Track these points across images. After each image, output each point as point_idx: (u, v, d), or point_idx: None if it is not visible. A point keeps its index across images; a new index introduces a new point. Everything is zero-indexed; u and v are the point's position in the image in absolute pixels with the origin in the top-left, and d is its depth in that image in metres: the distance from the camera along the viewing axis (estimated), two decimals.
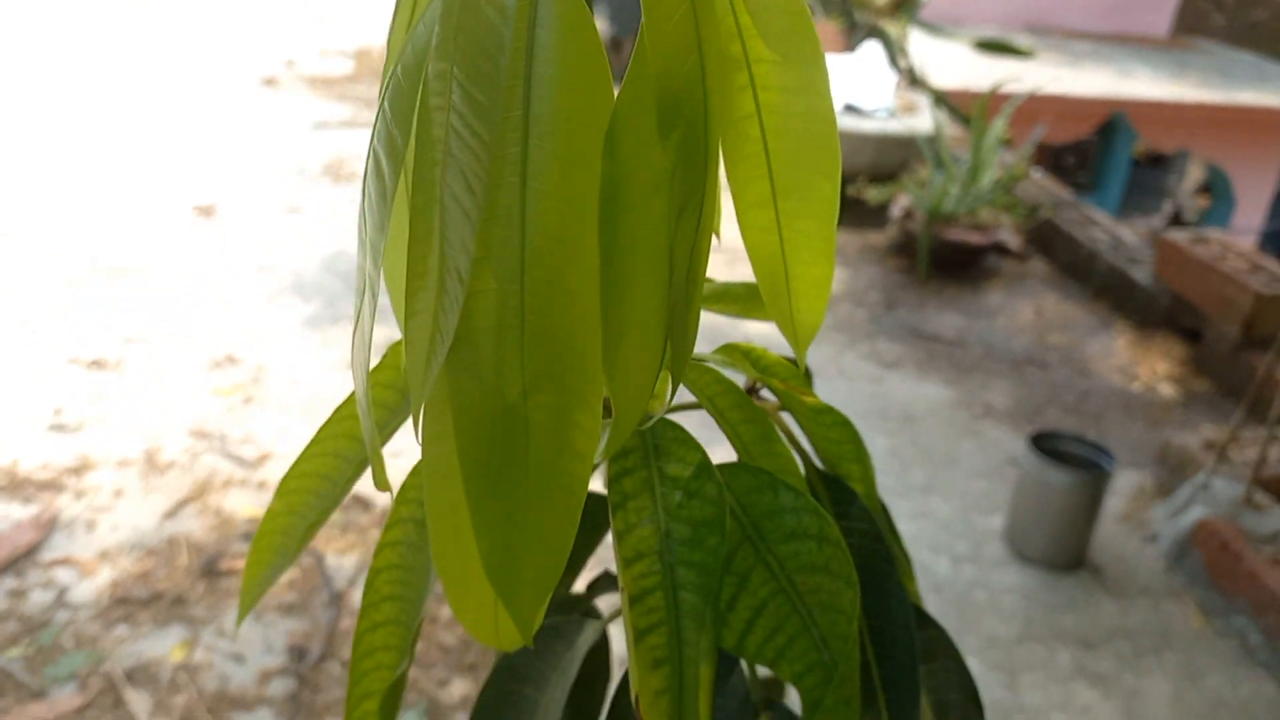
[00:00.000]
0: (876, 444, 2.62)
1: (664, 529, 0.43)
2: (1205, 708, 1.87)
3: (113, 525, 2.08)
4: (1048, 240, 3.97)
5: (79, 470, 2.23)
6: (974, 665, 1.91)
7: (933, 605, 2.06)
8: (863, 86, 4.32)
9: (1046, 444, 2.24)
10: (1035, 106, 5.16)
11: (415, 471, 0.49)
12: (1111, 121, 6.23)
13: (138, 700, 1.68)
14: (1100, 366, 3.16)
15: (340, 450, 0.52)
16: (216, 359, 2.73)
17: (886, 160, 4.09)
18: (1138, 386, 3.04)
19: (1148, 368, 3.15)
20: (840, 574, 0.44)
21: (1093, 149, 6.74)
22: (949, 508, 2.38)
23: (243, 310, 3.02)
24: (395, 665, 0.52)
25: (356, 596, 1.92)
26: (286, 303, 3.09)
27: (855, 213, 4.21)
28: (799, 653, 0.45)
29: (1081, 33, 7.66)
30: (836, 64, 4.54)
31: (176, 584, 1.93)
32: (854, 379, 2.96)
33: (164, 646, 1.80)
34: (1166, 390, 3.03)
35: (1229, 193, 6.50)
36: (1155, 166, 7.39)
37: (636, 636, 0.41)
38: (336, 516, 2.15)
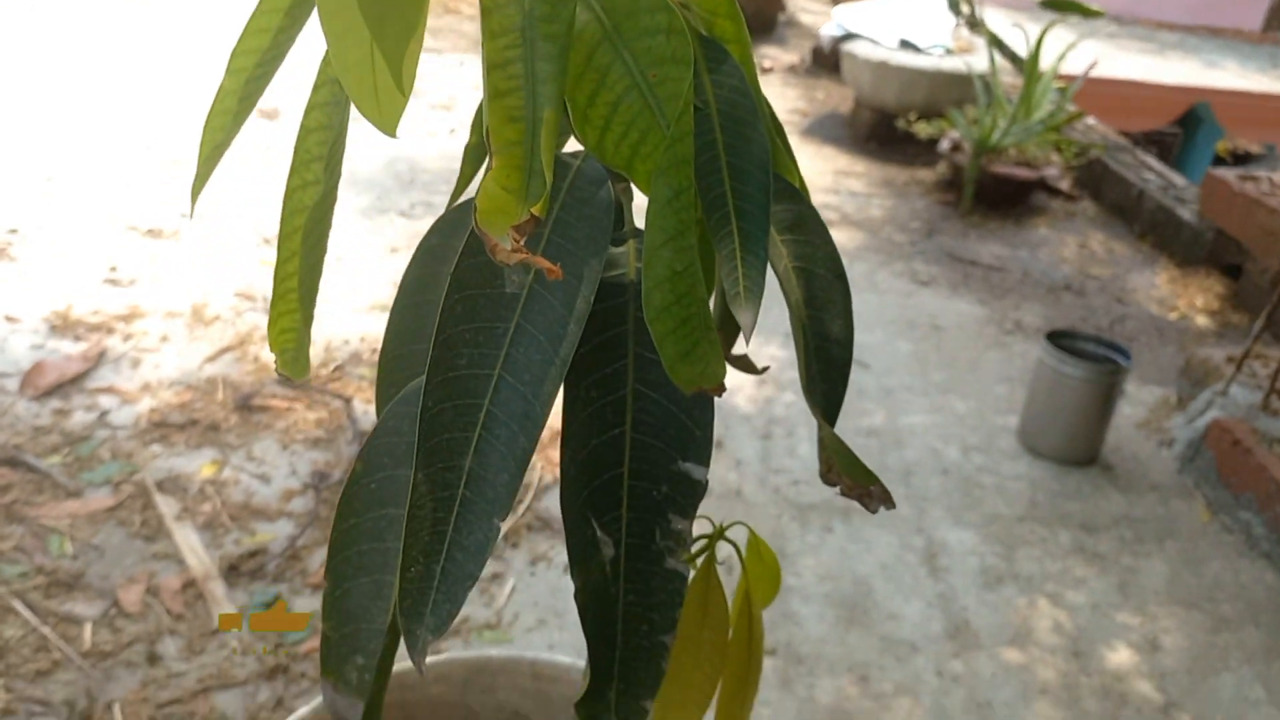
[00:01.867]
0: (899, 348, 2.65)
1: (527, 7, 0.47)
2: (1202, 590, 1.88)
3: (156, 364, 2.19)
4: (1098, 181, 3.93)
5: (128, 318, 2.35)
6: (972, 538, 1.94)
7: (937, 485, 2.10)
8: (921, 24, 4.30)
9: (1064, 342, 2.25)
10: (1107, 91, 5.03)
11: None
12: (1194, 112, 6.02)
13: (166, 505, 1.78)
14: (1138, 297, 3.14)
15: (277, 25, 0.58)
16: (268, 236, 2.84)
17: (941, 97, 4.07)
18: (1174, 316, 3.02)
19: (1186, 300, 3.12)
20: (682, 59, 0.48)
21: (1175, 142, 6.52)
22: (965, 406, 2.41)
23: None
24: (325, 201, 0.59)
25: None
26: (341, 195, 3.19)
27: (905, 147, 4.21)
28: (650, 150, 0.49)
29: (1170, 24, 7.47)
30: (895, 1, 4.52)
31: (211, 414, 2.04)
32: (885, 293, 2.99)
33: (195, 464, 1.90)
34: (1202, 321, 3.00)
35: None
36: (1240, 164, 7.08)
37: (495, 96, 0.47)
38: (362, 369, 2.24)
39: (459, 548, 0.47)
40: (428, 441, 0.48)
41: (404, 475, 0.57)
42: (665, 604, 0.56)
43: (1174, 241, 3.42)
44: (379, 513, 0.57)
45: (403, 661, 0.69)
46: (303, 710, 0.86)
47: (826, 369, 0.59)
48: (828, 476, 0.60)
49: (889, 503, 0.58)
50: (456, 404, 0.48)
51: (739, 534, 0.69)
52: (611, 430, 0.53)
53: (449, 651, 1.39)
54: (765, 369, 0.63)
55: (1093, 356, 2.21)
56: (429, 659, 0.84)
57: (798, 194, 0.60)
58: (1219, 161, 6.50)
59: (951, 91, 4.08)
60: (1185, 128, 6.21)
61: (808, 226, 0.60)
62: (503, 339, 0.49)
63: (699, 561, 0.64)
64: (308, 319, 0.64)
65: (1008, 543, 1.94)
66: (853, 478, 0.58)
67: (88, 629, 1.52)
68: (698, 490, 0.54)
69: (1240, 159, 7.01)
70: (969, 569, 1.86)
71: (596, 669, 0.55)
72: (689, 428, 0.53)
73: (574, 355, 0.49)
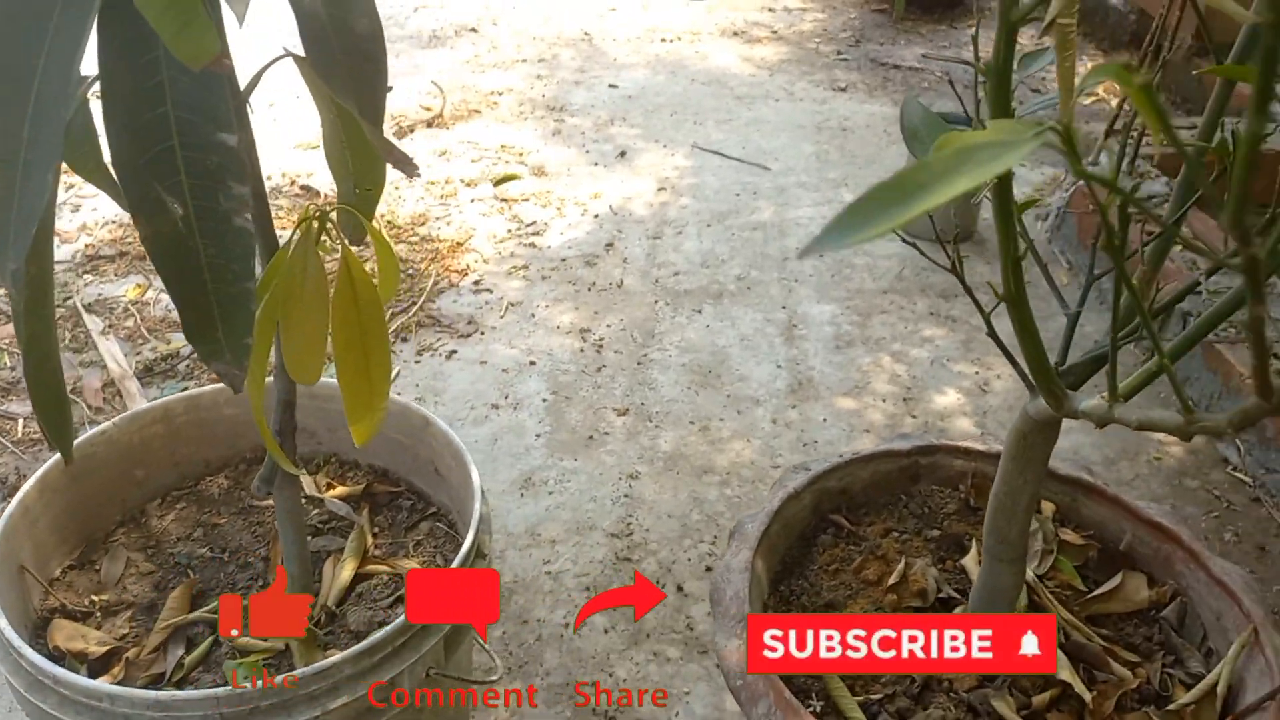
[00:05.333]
0: (804, 149, 2.76)
1: None
2: (1045, 340, 2.03)
3: (94, 208, 2.38)
4: None
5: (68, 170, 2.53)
6: (832, 309, 2.10)
7: (810, 267, 2.25)
8: None
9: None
10: None
11: None
12: None
13: (93, 323, 1.99)
14: (1052, 86, 3.19)
15: None
16: None
17: None
18: (1089, 101, 3.08)
19: (1107, 85, 3.17)
20: None
21: None
22: (854, 197, 2.53)
23: None
24: None
25: None
26: None
27: None
28: None
29: None
30: None
31: (140, 247, 2.23)
32: (801, 100, 3.07)
33: (121, 289, 2.11)
34: (1116, 102, 3.06)
35: None
36: None
37: None
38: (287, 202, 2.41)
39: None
40: None
41: None
42: (241, 256, 0.73)
43: (1101, 29, 3.44)
44: None
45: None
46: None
47: (359, 64, 0.74)
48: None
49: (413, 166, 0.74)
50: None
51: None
52: (157, 109, 0.69)
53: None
54: (417, 172, 0.77)
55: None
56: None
57: None
58: None
59: None
60: None
61: None
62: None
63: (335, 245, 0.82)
64: None
65: (865, 312, 2.10)
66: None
67: (20, 423, 1.75)
68: (237, 156, 0.70)
69: None
70: (823, 336, 2.03)
71: (196, 313, 0.73)
72: (215, 103, 0.69)
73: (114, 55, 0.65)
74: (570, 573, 1.50)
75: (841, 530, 1.17)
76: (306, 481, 1.20)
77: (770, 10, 3.81)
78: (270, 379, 0.95)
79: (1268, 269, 0.37)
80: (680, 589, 1.47)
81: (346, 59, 0.74)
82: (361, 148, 0.94)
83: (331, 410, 1.19)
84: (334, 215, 0.83)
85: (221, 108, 0.69)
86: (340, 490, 1.19)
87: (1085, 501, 1.16)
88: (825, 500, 1.19)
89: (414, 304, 2.07)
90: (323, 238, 0.82)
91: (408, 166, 0.74)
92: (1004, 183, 0.66)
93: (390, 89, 0.85)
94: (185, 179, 0.71)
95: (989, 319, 0.86)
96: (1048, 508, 1.18)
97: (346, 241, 0.83)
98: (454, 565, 0.94)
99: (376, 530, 1.15)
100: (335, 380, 0.87)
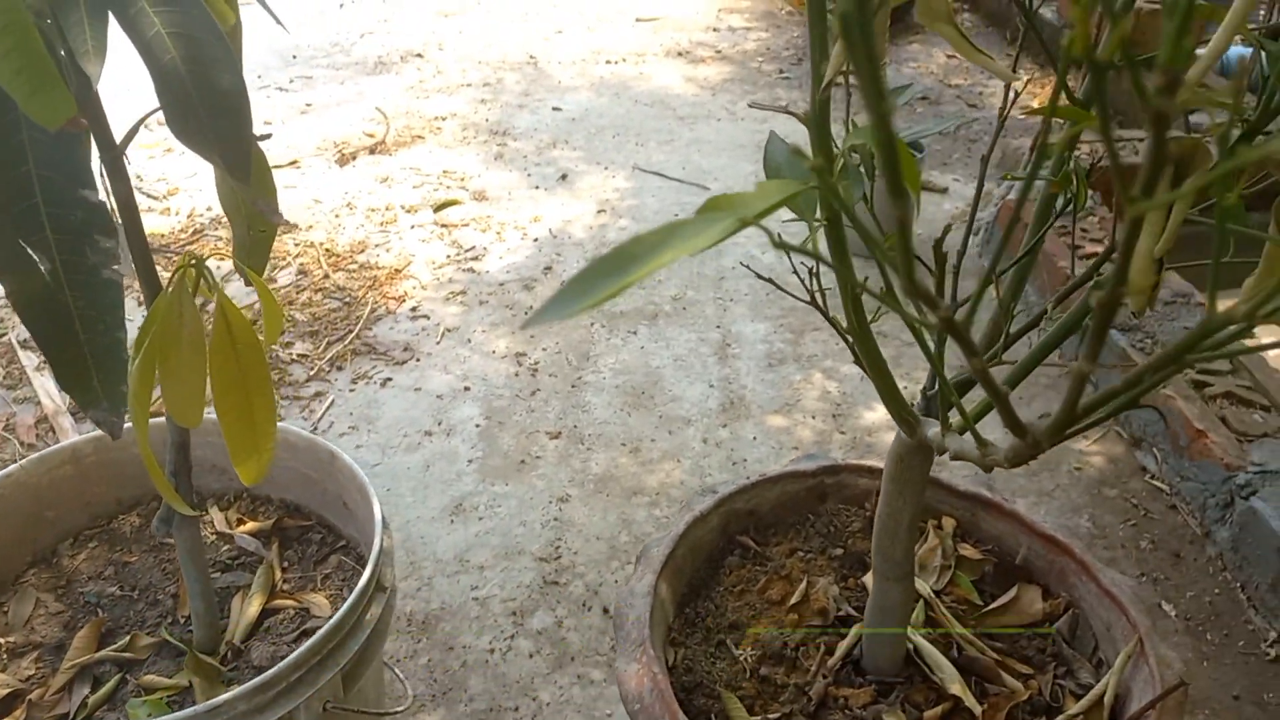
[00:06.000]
0: (741, 169, 2.80)
1: None
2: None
3: None
4: None
5: None
6: (765, 328, 2.13)
7: (745, 287, 2.28)
8: None
9: None
10: None
11: None
12: None
13: (28, 358, 1.99)
14: (994, 99, 3.25)
15: None
16: None
17: None
18: (1022, 115, 3.13)
19: (1041, 99, 3.23)
20: None
21: None
22: (790, 215, 2.56)
23: None
24: None
25: None
26: None
27: None
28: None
29: None
30: None
31: None
32: (742, 119, 3.11)
33: None
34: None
35: None
36: None
37: None
38: None
39: None
40: None
41: None
42: (111, 307, 0.75)
43: (1036, 43, 3.50)
44: None
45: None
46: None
47: (222, 120, 0.76)
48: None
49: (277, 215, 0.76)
50: None
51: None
52: (19, 168, 0.71)
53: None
54: (283, 220, 0.80)
55: None
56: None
57: None
58: None
59: None
60: None
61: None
62: None
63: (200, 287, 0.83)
64: None
65: (798, 330, 2.13)
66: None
67: None
68: (104, 211, 0.72)
69: None
70: (756, 354, 2.05)
71: (68, 364, 0.75)
72: (75, 161, 0.71)
73: None
74: (498, 598, 1.51)
75: (749, 551, 1.20)
76: (217, 517, 1.21)
77: (715, 30, 3.85)
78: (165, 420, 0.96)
79: (964, 328, 0.39)
80: (606, 611, 1.49)
81: (210, 116, 0.76)
82: (257, 185, 0.96)
83: None
84: (214, 262, 0.85)
85: (82, 166, 0.71)
86: (250, 525, 1.20)
87: (984, 516, 1.19)
88: (733, 522, 1.21)
89: (350, 332, 2.08)
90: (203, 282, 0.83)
91: (275, 217, 0.76)
92: (835, 222, 0.68)
93: (269, 136, 0.87)
94: (51, 235, 0.72)
95: (854, 347, 0.88)
96: (948, 523, 1.21)
97: (222, 289, 0.85)
98: (352, 599, 0.96)
99: (286, 565, 1.16)
100: None
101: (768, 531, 1.22)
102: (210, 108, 0.76)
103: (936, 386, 0.95)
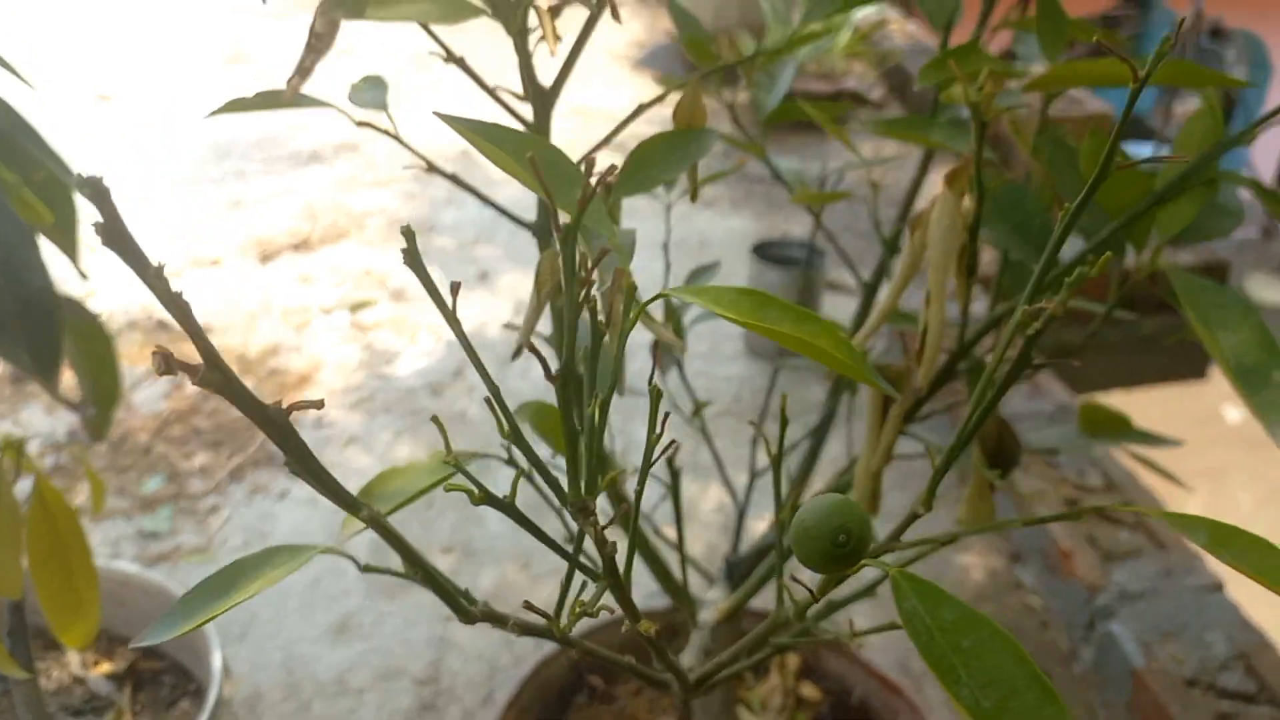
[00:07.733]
0: (655, 269, 2.85)
1: None
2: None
3: None
4: (905, 86, 4.11)
5: None
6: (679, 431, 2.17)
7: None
8: None
9: (772, 251, 2.46)
10: None
11: None
12: None
13: None
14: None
15: None
16: None
17: (726, 17, 4.21)
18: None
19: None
20: None
21: (1131, 21, 5.26)
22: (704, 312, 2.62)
23: None
24: None
25: None
26: (154, 167, 3.36)
27: (729, 71, 4.36)
28: None
29: None
30: None
31: None
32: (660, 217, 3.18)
33: None
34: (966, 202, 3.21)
35: (1266, 61, 5.13)
36: (1215, 41, 5.47)
37: None
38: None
39: None
40: None
41: None
42: None
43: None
44: None
45: None
46: None
47: (31, 324, 0.79)
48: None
49: None
50: None
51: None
52: None
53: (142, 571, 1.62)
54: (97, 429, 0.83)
55: (793, 260, 2.43)
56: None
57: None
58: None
59: (736, 11, 4.22)
60: (1141, 6, 5.01)
61: None
62: None
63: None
64: None
65: (697, 438, 2.17)
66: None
67: None
68: None
69: (1215, 33, 5.19)
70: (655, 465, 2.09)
71: None
72: None
73: None
74: None
75: (596, 690, 1.22)
76: (74, 660, 1.22)
77: (648, 122, 3.95)
78: None
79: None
80: None
81: (20, 321, 0.79)
82: (94, 367, 0.99)
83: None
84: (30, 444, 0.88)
85: None
86: (104, 668, 1.21)
87: (827, 655, 1.23)
88: (584, 659, 1.24)
89: (253, 444, 2.10)
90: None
91: (83, 435, 0.79)
92: (564, 395, 0.72)
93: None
94: None
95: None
96: (792, 661, 1.24)
97: (38, 470, 0.87)
98: None
99: (138, 709, 1.17)
100: None
101: (616, 670, 1.25)
102: (19, 310, 0.79)
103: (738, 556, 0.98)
